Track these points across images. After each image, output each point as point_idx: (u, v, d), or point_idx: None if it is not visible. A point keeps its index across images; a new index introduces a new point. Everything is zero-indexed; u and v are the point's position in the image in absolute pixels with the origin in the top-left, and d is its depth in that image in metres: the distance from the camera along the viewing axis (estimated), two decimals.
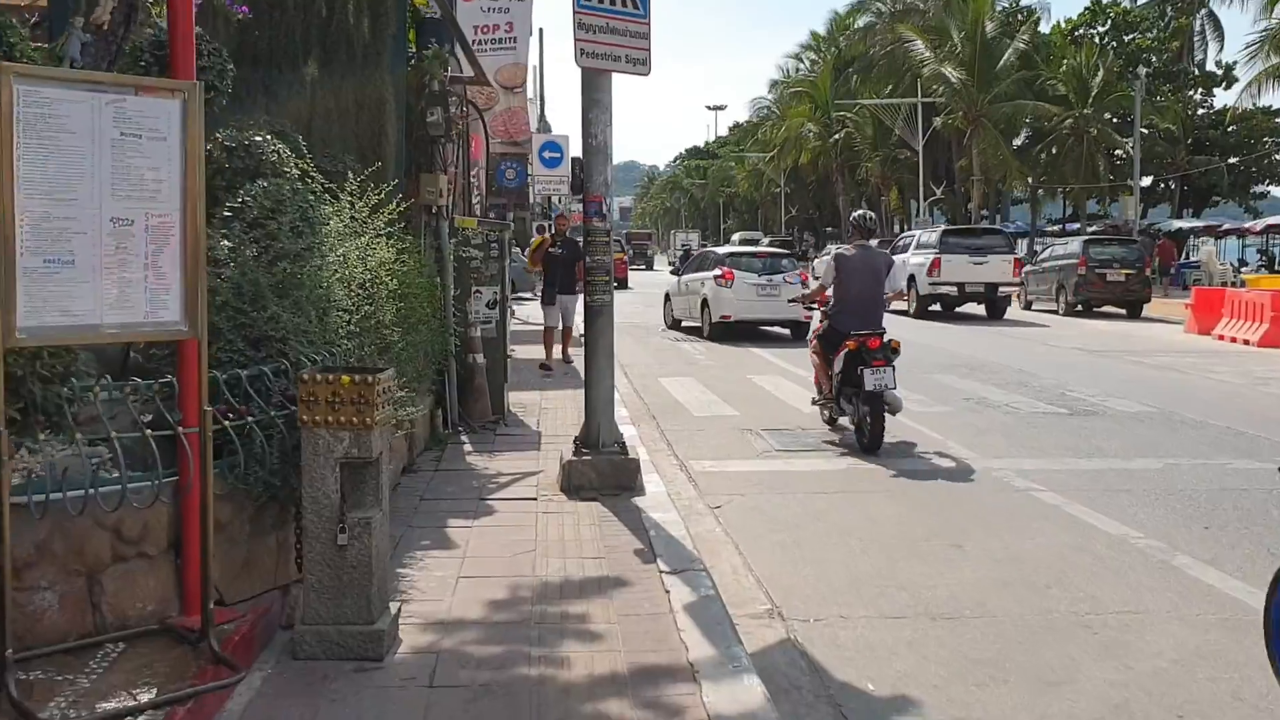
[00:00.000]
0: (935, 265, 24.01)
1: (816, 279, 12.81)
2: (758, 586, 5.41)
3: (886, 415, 8.75)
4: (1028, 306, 28.20)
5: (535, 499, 6.56)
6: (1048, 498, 7.38)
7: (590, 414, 7.06)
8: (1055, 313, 26.03)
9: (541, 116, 53.93)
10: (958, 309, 25.11)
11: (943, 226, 29.32)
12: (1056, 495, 7.44)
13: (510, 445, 8.42)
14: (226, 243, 4.66)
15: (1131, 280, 25.36)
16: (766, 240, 60.12)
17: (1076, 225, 51.34)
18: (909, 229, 57.25)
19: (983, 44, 39.87)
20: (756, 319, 18.67)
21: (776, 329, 19.42)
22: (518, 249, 27.57)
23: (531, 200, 55.96)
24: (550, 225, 42.87)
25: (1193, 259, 38.41)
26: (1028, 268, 29.87)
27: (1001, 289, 24.64)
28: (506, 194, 23.97)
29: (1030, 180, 42.28)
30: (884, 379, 8.78)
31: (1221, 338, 19.23)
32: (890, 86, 49.59)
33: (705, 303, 19.02)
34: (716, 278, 18.72)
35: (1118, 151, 42.90)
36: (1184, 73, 45.20)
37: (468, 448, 8.26)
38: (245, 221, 4.71)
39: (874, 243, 10.21)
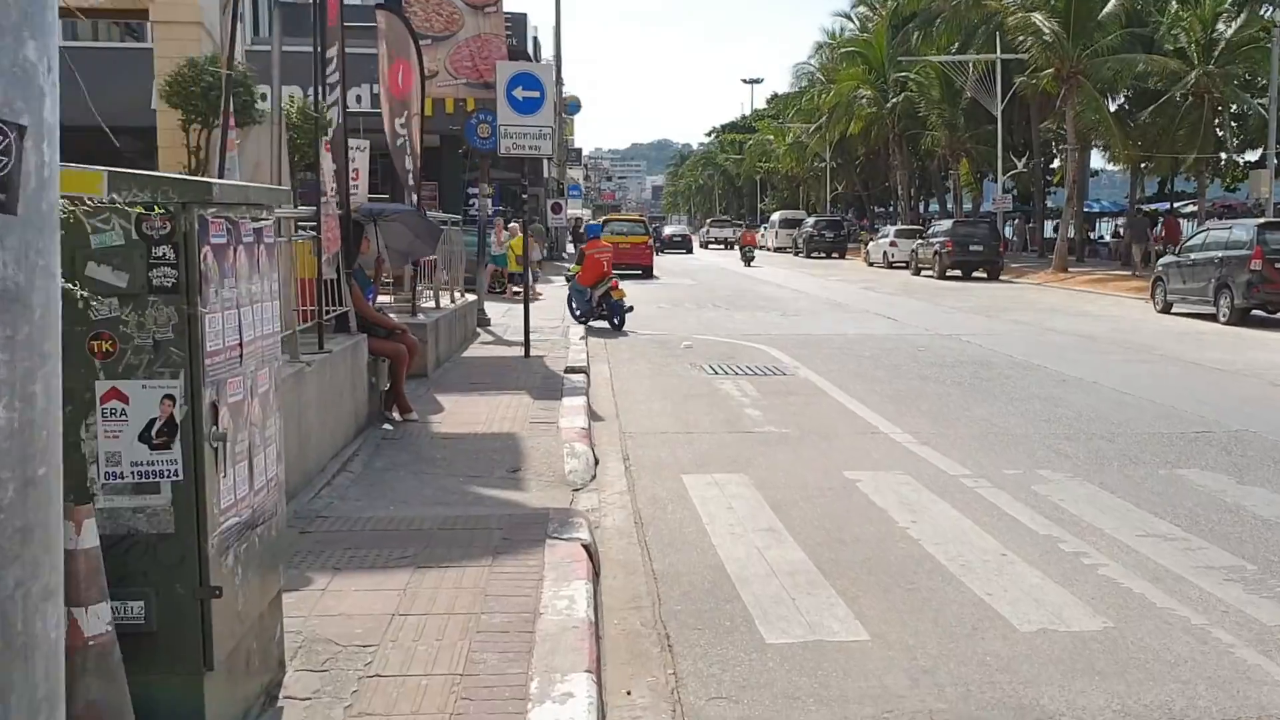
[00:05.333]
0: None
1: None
2: None
3: None
4: (1166, 310, 21.78)
5: None
6: None
7: None
8: (1214, 319, 19.58)
9: (558, 79, 47.62)
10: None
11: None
12: None
13: None
14: None
15: None
16: (812, 220, 53.79)
17: (1172, 205, 44.55)
18: (977, 208, 50.60)
19: None
20: None
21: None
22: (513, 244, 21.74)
23: (548, 173, 49.22)
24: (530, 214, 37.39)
25: None
26: (1165, 260, 23.38)
27: None
28: (479, 159, 17.80)
29: (1128, 150, 35.34)
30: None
31: None
32: (956, 44, 42.84)
33: None
34: None
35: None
36: None
37: None
38: None
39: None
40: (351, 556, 5.10)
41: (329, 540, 5.38)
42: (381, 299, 12.08)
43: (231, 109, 5.42)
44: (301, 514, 5.85)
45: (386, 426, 8.23)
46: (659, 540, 6.04)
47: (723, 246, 58.82)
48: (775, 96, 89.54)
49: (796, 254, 52.63)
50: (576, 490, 6.93)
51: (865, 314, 20.81)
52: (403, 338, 8.49)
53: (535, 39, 47.85)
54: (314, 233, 6.67)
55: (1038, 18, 32.49)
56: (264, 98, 7.84)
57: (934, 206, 58.99)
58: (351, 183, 11.02)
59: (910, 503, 6.80)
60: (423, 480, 6.90)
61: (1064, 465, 7.91)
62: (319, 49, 6.67)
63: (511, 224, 18.70)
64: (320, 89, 6.98)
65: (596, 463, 7.78)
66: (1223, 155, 36.89)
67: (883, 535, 6.12)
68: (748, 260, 40.91)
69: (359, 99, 25.46)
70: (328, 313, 7.62)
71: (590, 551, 5.30)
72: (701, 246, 60.12)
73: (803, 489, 7.15)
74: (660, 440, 8.76)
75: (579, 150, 79.71)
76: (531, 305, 13.59)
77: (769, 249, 60.68)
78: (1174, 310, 21.55)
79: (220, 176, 5.27)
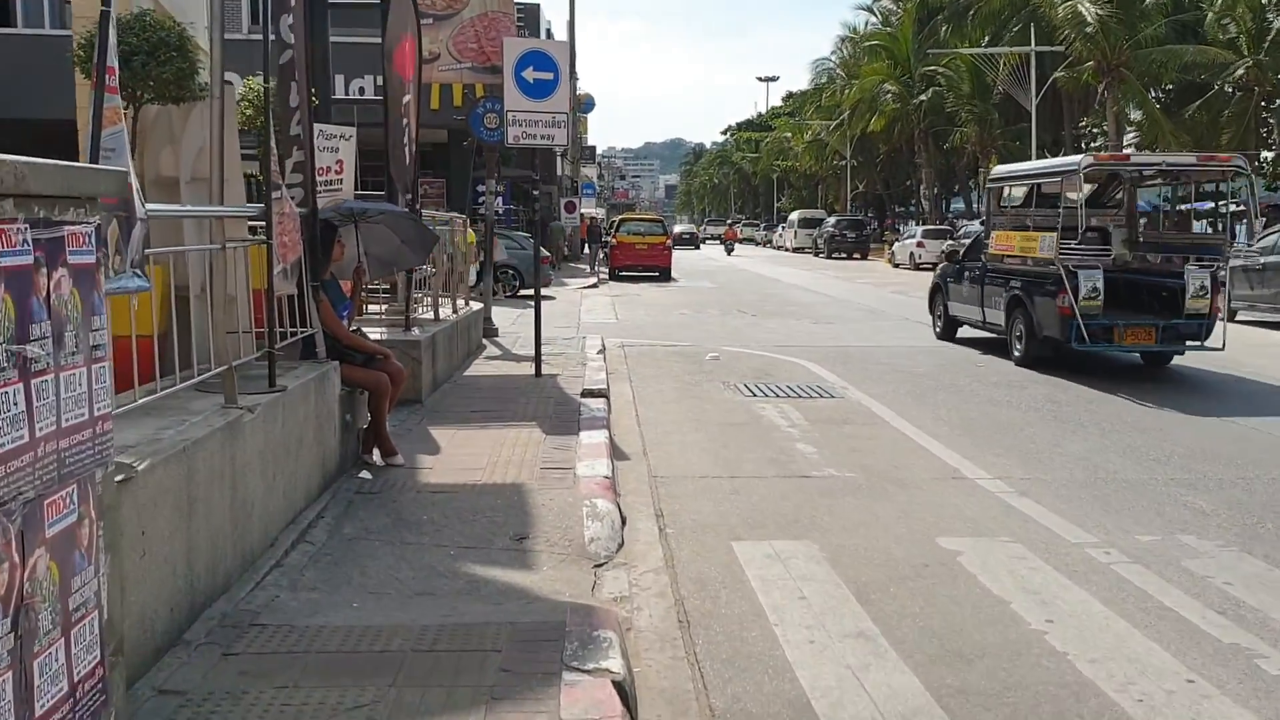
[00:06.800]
0: None
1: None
2: None
3: None
4: (1230, 317, 20.03)
5: None
6: None
7: None
8: None
9: (572, 73, 46.01)
10: None
11: None
12: None
13: None
14: None
15: None
16: (833, 220, 52.25)
17: (1216, 205, 42.68)
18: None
19: None
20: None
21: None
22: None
23: (561, 170, 47.40)
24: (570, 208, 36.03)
25: None
26: (1232, 263, 21.66)
27: None
28: (487, 152, 16.23)
29: (1178, 146, 33.56)
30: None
31: None
32: (987, 37, 41.17)
33: None
34: None
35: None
36: None
37: None
38: None
39: None
40: (284, 706, 3.55)
41: (258, 670, 3.83)
42: (370, 309, 10.56)
43: (116, 64, 3.86)
44: (231, 619, 4.31)
45: (364, 474, 6.69)
46: (714, 653, 4.48)
47: (717, 241, 71.08)
48: (791, 95, 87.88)
49: (816, 254, 51.05)
50: (599, 566, 5.39)
51: (905, 322, 19.18)
52: (385, 364, 6.93)
53: (549, 31, 46.31)
54: (264, 237, 5.13)
55: (1084, 6, 30.73)
56: (228, 82, 6.31)
57: (957, 205, 57.23)
58: (335, 176, 9.50)
59: (1035, 590, 5.22)
60: (402, 554, 5.36)
61: (1207, 528, 6.32)
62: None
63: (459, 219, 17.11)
64: (271, 50, 5.43)
65: (624, 522, 6.23)
66: (1268, 153, 35.09)
67: (1015, 645, 4.54)
68: (728, 251, 54.02)
69: (362, 90, 23.97)
70: (289, 335, 6.08)
71: (624, 693, 3.74)
72: (703, 241, 73.55)
73: (890, 566, 5.58)
74: (699, 488, 7.19)
75: (592, 148, 78.22)
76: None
77: (788, 249, 59.19)
78: (1238, 318, 19.85)
79: (93, 160, 3.71)
